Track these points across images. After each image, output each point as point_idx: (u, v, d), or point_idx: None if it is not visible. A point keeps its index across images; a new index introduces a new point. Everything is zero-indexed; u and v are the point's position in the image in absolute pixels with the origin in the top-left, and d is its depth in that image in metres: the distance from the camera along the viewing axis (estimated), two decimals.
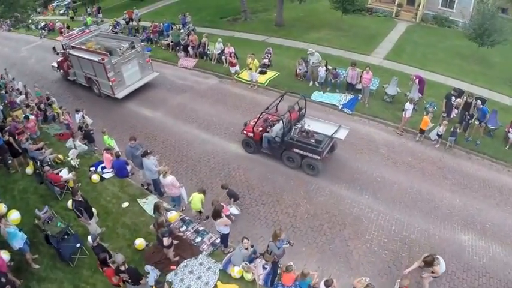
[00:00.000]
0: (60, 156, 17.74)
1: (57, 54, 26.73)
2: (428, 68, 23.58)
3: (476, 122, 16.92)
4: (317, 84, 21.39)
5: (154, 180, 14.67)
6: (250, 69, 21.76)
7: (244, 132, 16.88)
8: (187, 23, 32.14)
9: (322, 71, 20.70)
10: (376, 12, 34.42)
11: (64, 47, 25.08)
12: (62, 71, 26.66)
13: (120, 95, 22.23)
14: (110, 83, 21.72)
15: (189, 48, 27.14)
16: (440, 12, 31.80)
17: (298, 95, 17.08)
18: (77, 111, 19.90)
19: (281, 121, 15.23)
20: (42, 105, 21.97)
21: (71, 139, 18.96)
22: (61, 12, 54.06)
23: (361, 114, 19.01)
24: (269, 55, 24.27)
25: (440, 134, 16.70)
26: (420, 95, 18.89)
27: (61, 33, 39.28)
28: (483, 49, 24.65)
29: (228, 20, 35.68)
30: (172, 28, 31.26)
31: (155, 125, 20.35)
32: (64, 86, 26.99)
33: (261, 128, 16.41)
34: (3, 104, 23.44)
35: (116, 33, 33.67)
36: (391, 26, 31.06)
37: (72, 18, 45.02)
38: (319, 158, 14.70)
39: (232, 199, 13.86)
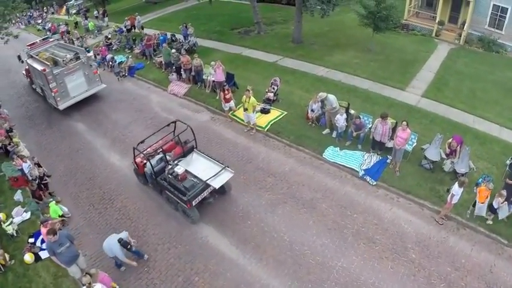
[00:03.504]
0: (2, 216, 14.71)
1: (22, 62, 25.42)
2: (478, 111, 18.00)
3: None
4: (334, 136, 16.19)
5: None
6: (246, 109, 16.74)
7: (133, 162, 15.00)
8: (189, 35, 27.50)
9: (341, 120, 15.37)
10: (413, 30, 28.71)
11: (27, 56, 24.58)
12: (29, 79, 26.44)
13: (62, 106, 21.63)
14: (53, 94, 21.17)
15: (182, 71, 22.45)
16: (487, 34, 25.83)
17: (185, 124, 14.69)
18: (19, 156, 16.29)
19: (148, 161, 13.52)
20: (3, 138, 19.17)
21: (19, 191, 16.07)
22: (73, 12, 50.65)
23: (389, 187, 13.70)
24: (275, 87, 19.22)
25: (496, 207, 11.70)
26: (472, 166, 13.60)
27: (62, 36, 36.18)
28: None
29: (239, 32, 30.75)
30: (173, 40, 27.14)
31: (119, 179, 16.12)
32: (41, 108, 24.11)
33: (145, 161, 14.23)
34: None
35: (110, 44, 29.85)
36: (430, 49, 25.31)
37: (76, 24, 41.08)
38: (187, 207, 12.60)
39: None
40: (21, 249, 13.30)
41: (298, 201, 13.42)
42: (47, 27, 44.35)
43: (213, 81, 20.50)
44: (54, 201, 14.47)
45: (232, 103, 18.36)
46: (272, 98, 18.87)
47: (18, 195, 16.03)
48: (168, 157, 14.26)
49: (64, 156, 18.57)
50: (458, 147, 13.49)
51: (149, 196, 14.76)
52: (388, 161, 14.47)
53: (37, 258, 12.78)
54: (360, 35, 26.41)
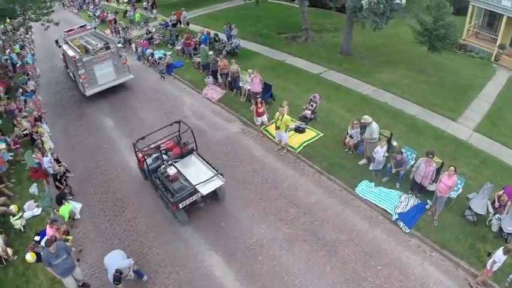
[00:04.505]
0: (14, 208, 14.64)
1: (59, 47, 26.53)
2: None
3: None
4: (370, 168, 14.56)
5: None
6: (278, 127, 15.49)
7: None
8: (233, 36, 26.44)
9: (380, 152, 13.67)
10: (470, 51, 26.36)
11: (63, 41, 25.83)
12: (65, 63, 27.37)
13: (89, 92, 22.39)
14: (81, 80, 21.99)
15: (218, 75, 21.50)
16: None
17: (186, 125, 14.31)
18: (40, 149, 16.11)
19: (144, 159, 13.93)
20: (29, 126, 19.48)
21: (35, 184, 15.97)
22: (124, 1, 50.87)
23: (423, 237, 12.02)
24: (314, 104, 17.86)
25: None
26: None
27: (109, 25, 36.41)
28: None
29: (286, 37, 29.38)
30: (216, 40, 26.25)
31: (134, 186, 15.52)
32: (75, 98, 24.19)
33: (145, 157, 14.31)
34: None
35: (152, 37, 29.54)
36: (488, 75, 22.92)
37: (125, 13, 40.88)
38: (173, 208, 12.53)
39: None
40: (26, 246, 13.02)
41: (318, 241, 12.06)
42: (96, 14, 44.66)
43: (249, 90, 19.34)
44: (70, 204, 14.14)
45: (265, 117, 17.19)
46: (309, 116, 17.53)
47: (33, 188, 15.87)
48: (166, 156, 14.46)
49: (87, 152, 18.25)
50: (509, 202, 11.76)
51: (161, 211, 13.95)
52: (427, 206, 12.82)
53: (39, 258, 12.34)
54: (413, 52, 24.51)
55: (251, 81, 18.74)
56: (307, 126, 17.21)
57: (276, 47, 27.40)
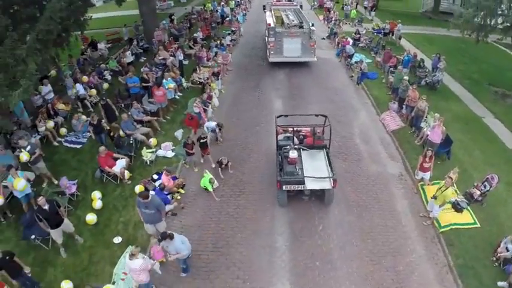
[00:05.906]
0: (153, 142, 16.54)
1: (265, 12, 29.68)
2: None
3: None
4: None
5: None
6: (435, 198, 13.73)
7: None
8: (438, 69, 24.27)
9: None
10: None
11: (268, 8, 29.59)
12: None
13: (271, 59, 25.34)
14: (269, 46, 24.87)
15: (404, 105, 20.04)
16: None
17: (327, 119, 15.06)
18: (204, 103, 18.10)
19: (276, 134, 15.08)
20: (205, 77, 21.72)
21: (181, 130, 17.85)
22: None
23: None
24: (488, 187, 15.35)
25: None
26: None
27: (325, 12, 37.34)
28: None
29: (496, 91, 25.79)
30: (420, 66, 24.96)
31: (264, 176, 15.83)
32: (261, 69, 26.26)
33: (281, 131, 15.50)
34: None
35: (359, 39, 29.45)
36: None
37: (343, 7, 40.66)
38: (277, 186, 13.23)
39: None
40: (142, 178, 14.44)
41: None
42: None
43: (427, 136, 17.59)
44: (207, 175, 14.83)
45: (427, 175, 15.28)
46: (476, 197, 15.24)
47: (178, 133, 17.31)
48: (297, 140, 15.20)
49: (243, 123, 19.14)
50: None
51: (271, 213, 13.88)
52: None
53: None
54: None
55: (432, 128, 17.03)
56: (468, 208, 14.88)
57: (479, 98, 24.28)
